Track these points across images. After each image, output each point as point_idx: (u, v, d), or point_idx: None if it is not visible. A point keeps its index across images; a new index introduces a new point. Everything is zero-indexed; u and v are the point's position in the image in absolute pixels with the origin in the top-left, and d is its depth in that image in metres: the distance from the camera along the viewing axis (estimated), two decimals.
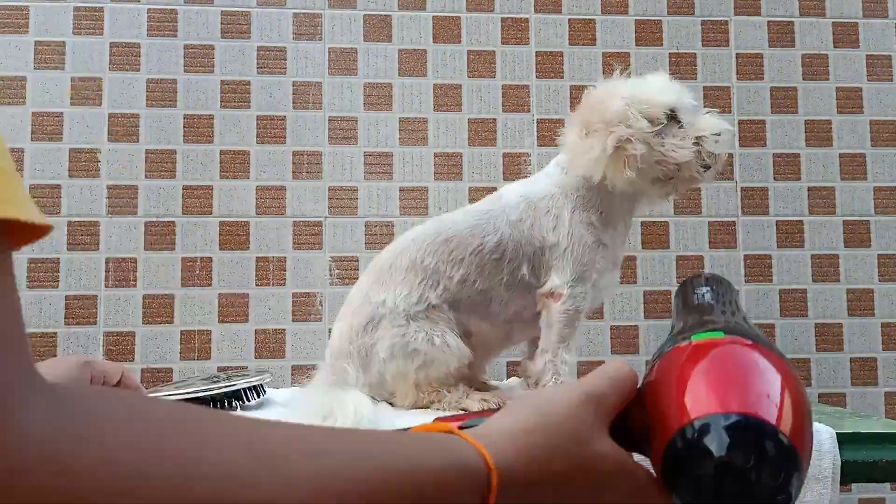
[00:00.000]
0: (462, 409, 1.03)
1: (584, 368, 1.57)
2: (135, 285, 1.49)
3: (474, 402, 1.04)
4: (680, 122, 1.03)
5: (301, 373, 1.42)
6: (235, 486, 0.35)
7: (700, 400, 0.44)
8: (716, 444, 0.41)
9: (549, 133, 1.57)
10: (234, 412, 0.48)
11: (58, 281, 1.48)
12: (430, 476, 0.41)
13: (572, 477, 0.46)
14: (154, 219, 1.51)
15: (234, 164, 1.54)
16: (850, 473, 0.87)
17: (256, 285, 1.51)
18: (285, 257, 1.52)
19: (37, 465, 0.32)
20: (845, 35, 1.64)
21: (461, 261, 1.06)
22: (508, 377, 1.46)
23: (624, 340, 1.56)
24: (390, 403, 1.08)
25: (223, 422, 0.37)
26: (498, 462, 0.44)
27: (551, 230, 1.07)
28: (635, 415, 0.49)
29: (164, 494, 0.33)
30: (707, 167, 1.03)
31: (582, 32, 1.61)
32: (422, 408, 1.05)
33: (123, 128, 1.53)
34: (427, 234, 1.09)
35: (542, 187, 1.10)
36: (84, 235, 1.49)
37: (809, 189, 1.62)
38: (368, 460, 0.39)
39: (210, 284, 1.50)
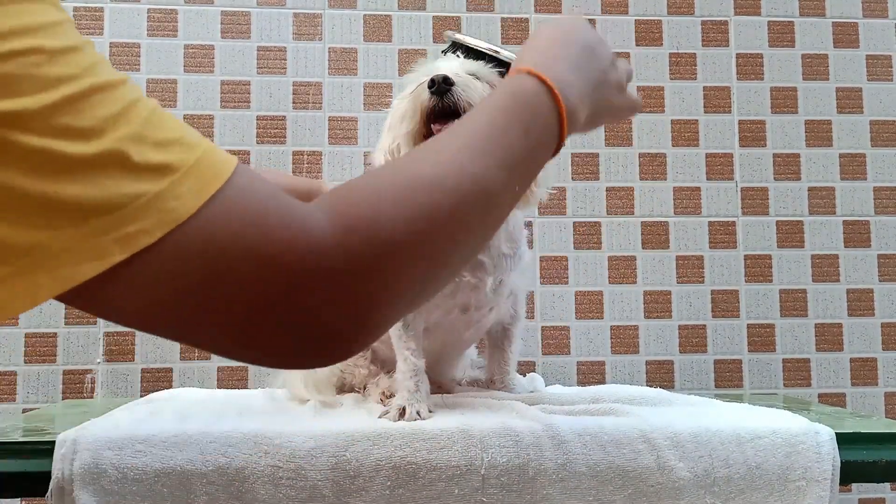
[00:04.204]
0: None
1: (584, 368, 1.57)
2: None
3: (375, 388, 1.09)
4: None
5: None
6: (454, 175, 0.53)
7: None
8: None
9: None
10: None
11: None
12: (520, 103, 0.60)
13: (588, 58, 0.67)
14: None
15: None
16: (850, 473, 0.87)
17: None
18: None
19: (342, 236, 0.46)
20: (845, 35, 1.64)
21: None
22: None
23: (624, 340, 1.56)
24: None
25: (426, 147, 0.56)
26: (551, 75, 0.61)
27: None
28: None
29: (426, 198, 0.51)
30: (448, 112, 0.92)
31: None
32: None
33: None
34: None
35: None
36: None
37: (809, 189, 1.62)
38: (486, 123, 0.57)
39: None
